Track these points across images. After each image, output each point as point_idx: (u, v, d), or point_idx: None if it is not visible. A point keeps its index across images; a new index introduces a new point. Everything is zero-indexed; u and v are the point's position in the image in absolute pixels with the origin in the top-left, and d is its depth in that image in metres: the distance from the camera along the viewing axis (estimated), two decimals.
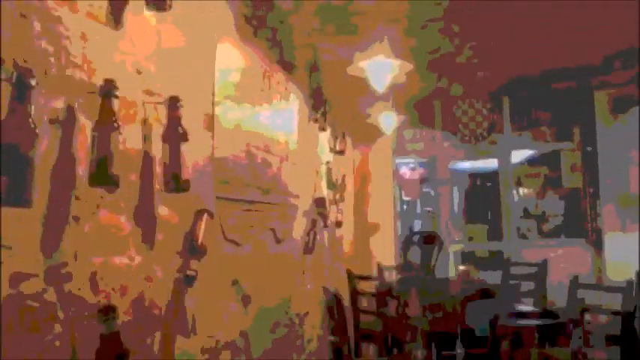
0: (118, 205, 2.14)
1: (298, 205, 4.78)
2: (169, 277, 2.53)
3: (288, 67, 4.56)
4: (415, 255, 9.04)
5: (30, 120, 1.58)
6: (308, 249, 4.99)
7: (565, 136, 8.34)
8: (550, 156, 9.05)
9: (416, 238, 9.80)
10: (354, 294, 5.22)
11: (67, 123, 1.87)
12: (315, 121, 5.39)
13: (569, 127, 8.27)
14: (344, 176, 6.29)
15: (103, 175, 1.92)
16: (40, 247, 1.75)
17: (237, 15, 3.52)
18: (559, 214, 9.24)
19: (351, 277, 5.33)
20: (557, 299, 4.98)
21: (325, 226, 5.60)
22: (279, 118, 4.33)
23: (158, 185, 2.40)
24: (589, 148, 8.03)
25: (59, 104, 1.84)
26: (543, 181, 10.28)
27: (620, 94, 7.59)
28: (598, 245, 7.76)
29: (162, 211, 2.47)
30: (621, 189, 7.69)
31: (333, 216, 6.00)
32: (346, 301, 5.46)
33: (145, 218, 2.33)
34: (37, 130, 1.61)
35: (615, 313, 3.58)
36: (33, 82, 1.59)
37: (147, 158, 2.35)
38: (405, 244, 7.66)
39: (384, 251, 8.08)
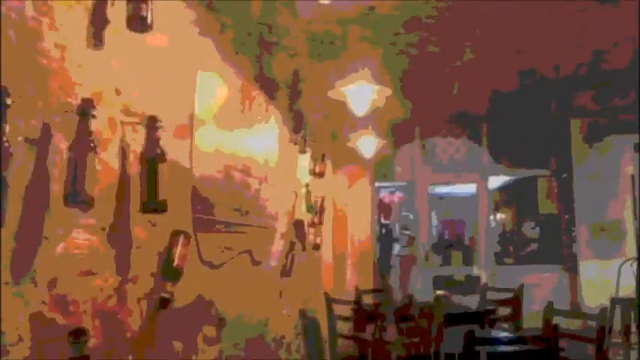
0: (92, 226, 2.11)
1: (276, 227, 4.76)
2: (143, 299, 2.49)
3: (269, 89, 4.58)
4: (393, 278, 9.05)
5: (4, 139, 1.56)
6: (286, 272, 4.95)
7: (541, 163, 8.47)
8: (526, 182, 9.16)
9: (394, 261, 9.85)
10: (332, 318, 5.19)
11: (42, 142, 1.85)
12: (295, 143, 5.40)
13: (546, 154, 8.40)
14: (323, 199, 6.28)
15: (78, 195, 1.90)
16: (11, 268, 1.71)
17: (218, 38, 3.54)
18: (535, 240, 9.32)
19: (328, 300, 5.31)
20: (533, 325, 5.01)
21: (303, 248, 5.58)
22: (259, 139, 4.34)
23: (134, 206, 2.37)
24: (564, 175, 8.15)
25: (35, 123, 1.82)
26: (520, 207, 10.40)
27: (595, 123, 7.75)
28: (573, 271, 7.85)
29: (138, 231, 2.44)
30: (596, 216, 7.82)
31: (311, 238, 5.98)
32: (324, 325, 5.44)
33: (119, 239, 2.30)
34: (10, 150, 1.59)
35: (589, 340, 3.61)
36: (8, 101, 1.57)
37: (123, 178, 2.33)
38: (384, 267, 7.67)
39: (363, 274, 8.07)
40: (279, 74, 4.89)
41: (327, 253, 7.39)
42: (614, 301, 5.46)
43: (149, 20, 2.20)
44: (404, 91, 5.83)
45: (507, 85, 6.71)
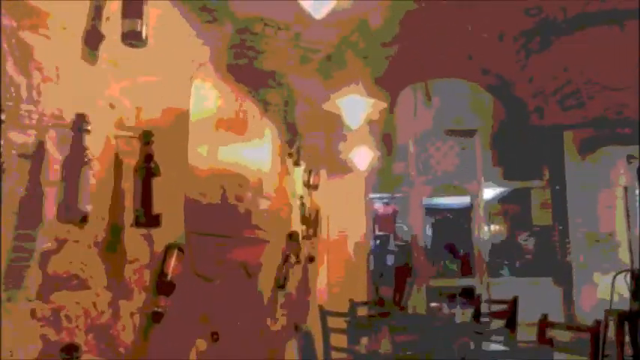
0: (85, 240, 2.11)
1: (270, 240, 4.76)
2: (137, 313, 2.48)
3: (264, 101, 4.59)
4: (388, 290, 9.02)
5: None
6: (280, 284, 4.94)
7: (535, 175, 8.50)
8: (521, 193, 9.19)
9: (388, 272, 9.83)
10: (326, 330, 5.17)
11: (36, 157, 1.85)
12: (290, 155, 5.40)
13: (539, 166, 8.43)
14: (317, 211, 6.28)
15: (72, 210, 1.90)
16: (4, 282, 1.70)
17: (213, 50, 3.55)
18: (529, 252, 9.33)
19: (322, 312, 5.29)
20: (527, 336, 5.00)
21: (298, 261, 5.57)
22: (253, 152, 4.34)
23: (128, 220, 2.37)
24: (558, 187, 8.18)
25: (29, 138, 1.82)
26: (514, 218, 10.42)
27: (589, 135, 7.80)
28: (567, 282, 7.85)
29: (132, 246, 2.44)
30: (590, 227, 7.84)
31: (306, 251, 5.97)
32: (318, 338, 5.42)
33: (113, 253, 2.29)
34: (4, 164, 1.59)
35: (583, 352, 3.60)
36: (2, 116, 1.58)
37: (117, 193, 2.33)
38: (378, 279, 7.65)
39: (357, 286, 8.04)
40: (273, 87, 4.90)
41: (321, 265, 7.37)
42: (608, 312, 5.46)
43: (144, 35, 2.22)
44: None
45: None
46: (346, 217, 8.41)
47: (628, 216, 7.86)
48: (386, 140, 7.77)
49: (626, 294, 5.53)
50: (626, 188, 7.88)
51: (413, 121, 8.03)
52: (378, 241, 11.16)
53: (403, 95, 7.92)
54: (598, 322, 3.88)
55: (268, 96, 4.79)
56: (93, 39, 2.17)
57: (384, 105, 4.75)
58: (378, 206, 11.47)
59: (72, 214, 1.90)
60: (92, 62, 2.17)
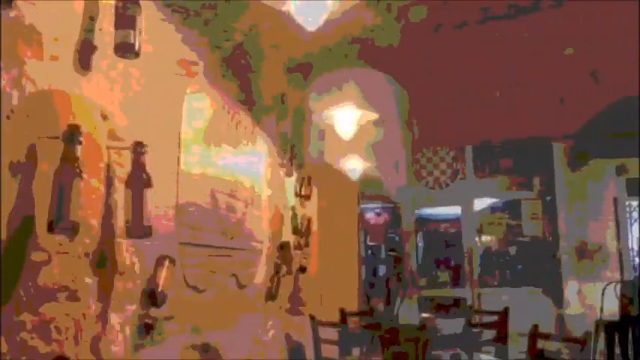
0: (76, 252, 2.10)
1: (262, 251, 4.75)
2: (127, 325, 2.46)
3: (255, 112, 4.60)
4: (379, 300, 9.01)
5: None
6: (271, 295, 4.93)
7: (525, 186, 8.55)
8: (511, 204, 9.24)
9: (379, 282, 9.83)
10: (317, 341, 5.16)
11: (27, 167, 1.84)
12: (282, 166, 5.41)
13: (530, 177, 8.49)
14: (309, 221, 6.27)
15: (62, 222, 1.89)
16: None
17: (205, 61, 3.56)
18: (520, 262, 9.37)
19: (314, 323, 5.28)
20: (518, 347, 5.01)
21: (289, 271, 5.56)
22: (245, 162, 4.34)
23: (119, 231, 2.37)
24: (548, 198, 8.24)
25: (20, 148, 1.82)
26: (505, 229, 10.46)
27: (578, 147, 7.86)
28: (557, 293, 7.89)
29: (123, 257, 2.43)
30: (580, 239, 7.89)
31: (297, 261, 5.96)
32: (309, 349, 5.40)
33: (103, 265, 2.28)
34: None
35: None
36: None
37: (109, 203, 2.32)
38: (369, 289, 7.65)
39: (348, 297, 8.03)
40: (265, 98, 4.91)
41: (312, 276, 7.36)
42: (599, 323, 5.49)
43: (137, 47, 2.22)
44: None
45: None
46: (337, 227, 8.41)
47: (618, 227, 7.92)
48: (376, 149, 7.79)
49: (616, 305, 5.57)
50: (615, 199, 7.95)
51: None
52: (369, 251, 11.17)
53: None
54: (588, 333, 3.91)
55: (260, 107, 4.80)
56: (85, 50, 2.17)
57: (375, 115, 4.76)
58: (370, 216, 11.49)
59: (62, 226, 1.89)
60: (84, 73, 2.17)
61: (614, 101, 5.74)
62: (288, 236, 5.61)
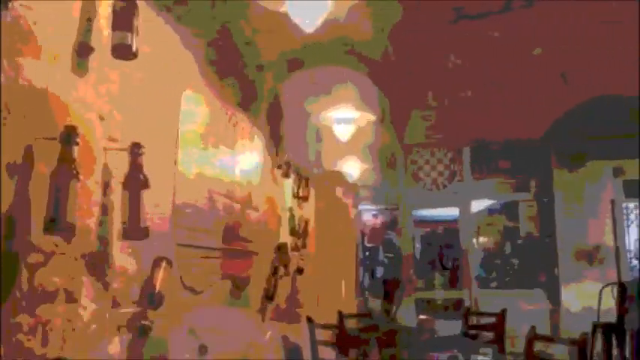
0: (73, 253, 2.10)
1: (259, 252, 4.74)
2: (124, 326, 2.46)
3: (253, 114, 4.60)
4: (377, 302, 9.01)
5: None
6: (269, 297, 4.92)
7: (523, 187, 8.56)
8: (509, 206, 9.24)
9: (377, 284, 9.82)
10: (314, 343, 5.16)
11: (24, 169, 1.84)
12: (279, 167, 5.41)
13: (527, 179, 8.49)
14: (307, 223, 6.28)
15: (59, 223, 1.88)
16: None
17: (202, 62, 3.56)
18: (517, 264, 9.37)
19: (311, 325, 5.27)
20: (516, 349, 5.01)
21: (287, 273, 5.56)
22: (243, 164, 4.34)
23: (116, 232, 2.36)
24: (545, 200, 8.24)
25: (17, 150, 1.82)
26: (502, 230, 10.47)
27: (576, 148, 7.87)
28: (555, 295, 7.89)
29: (120, 258, 2.43)
30: (577, 240, 7.89)
31: (295, 263, 5.96)
32: (307, 351, 5.39)
33: (100, 266, 2.28)
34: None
35: None
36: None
37: (105, 205, 2.32)
38: (367, 291, 7.64)
39: (346, 298, 8.04)
40: (262, 99, 4.91)
41: (310, 277, 7.35)
42: (596, 325, 5.48)
43: (134, 48, 2.22)
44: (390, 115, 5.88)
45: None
46: (335, 228, 8.42)
47: (615, 229, 7.93)
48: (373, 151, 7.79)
49: (613, 306, 5.57)
50: (612, 201, 7.96)
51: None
52: (367, 253, 11.16)
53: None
54: (585, 335, 3.91)
55: (258, 107, 4.80)
56: (82, 51, 2.17)
57: (373, 117, 4.76)
58: (367, 218, 11.48)
59: (59, 227, 1.89)
60: (82, 74, 2.17)
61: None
62: (285, 237, 5.61)
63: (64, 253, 2.04)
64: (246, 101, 4.47)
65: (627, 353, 5.33)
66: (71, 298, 2.09)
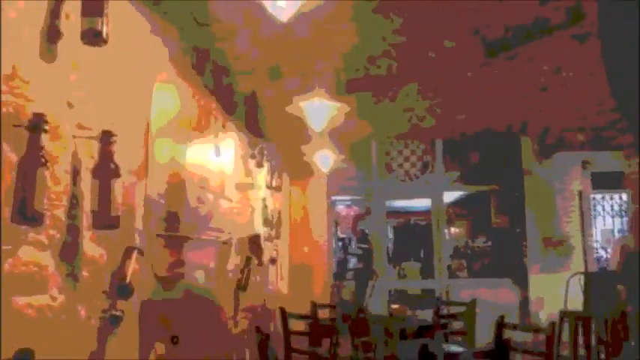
0: (41, 242, 2.06)
1: (232, 242, 4.73)
2: (94, 317, 2.43)
3: (226, 104, 4.56)
4: (349, 292, 9.06)
5: None
6: (242, 287, 4.91)
7: (493, 179, 8.67)
8: (480, 197, 9.36)
9: (350, 274, 9.88)
10: (287, 333, 5.16)
11: None
12: (252, 157, 5.39)
13: (498, 170, 8.60)
14: (279, 213, 6.28)
15: (27, 211, 1.85)
16: None
17: (175, 51, 3.52)
18: (487, 254, 9.51)
19: (284, 315, 5.28)
20: (485, 338, 5.10)
21: (260, 263, 5.55)
22: (216, 154, 4.31)
23: (86, 222, 2.33)
24: (515, 191, 8.37)
25: None
26: (473, 221, 10.61)
27: (546, 141, 8.00)
28: (523, 284, 8.03)
29: (89, 248, 2.39)
30: (546, 230, 8.04)
31: (268, 253, 5.96)
32: (279, 340, 5.40)
33: (70, 256, 2.24)
34: None
35: (539, 353, 3.69)
36: None
37: (75, 194, 2.28)
38: (340, 281, 7.68)
39: (318, 288, 8.07)
40: (237, 89, 4.88)
41: (283, 267, 7.36)
42: (563, 314, 5.61)
43: (104, 34, 2.18)
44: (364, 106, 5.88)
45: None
46: (308, 219, 8.43)
47: (582, 220, 8.10)
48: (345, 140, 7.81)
49: (580, 295, 5.70)
50: (580, 193, 8.12)
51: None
52: (340, 244, 11.21)
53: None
54: (553, 324, 3.99)
55: (231, 97, 4.76)
56: (51, 37, 2.12)
57: (347, 108, 4.77)
58: (340, 208, 11.52)
59: (27, 216, 1.85)
60: (50, 60, 2.12)
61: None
62: (258, 228, 5.60)
63: (32, 243, 2.00)
64: (220, 90, 4.44)
65: (592, 340, 5.47)
66: (40, 289, 2.05)
